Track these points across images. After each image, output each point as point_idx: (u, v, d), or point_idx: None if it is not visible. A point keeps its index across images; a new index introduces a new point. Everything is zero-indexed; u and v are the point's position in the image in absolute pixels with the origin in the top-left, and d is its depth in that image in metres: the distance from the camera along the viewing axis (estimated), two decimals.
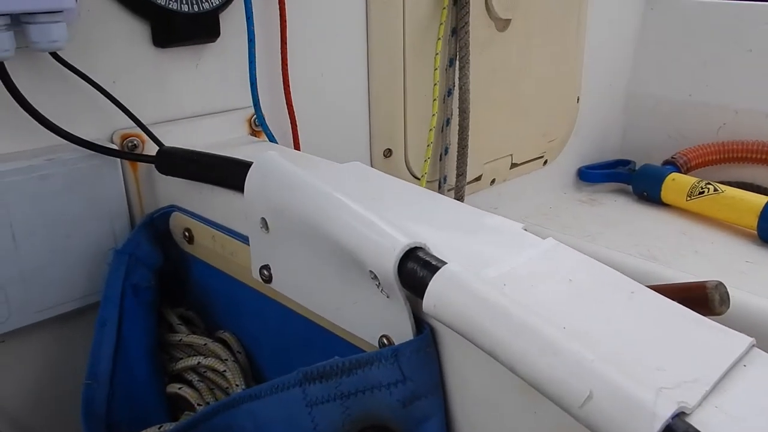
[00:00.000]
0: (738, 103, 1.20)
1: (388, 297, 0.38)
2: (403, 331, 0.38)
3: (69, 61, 0.54)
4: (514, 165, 1.09)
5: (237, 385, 0.54)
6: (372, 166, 0.87)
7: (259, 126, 0.69)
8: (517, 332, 0.29)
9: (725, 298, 0.58)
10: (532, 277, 0.38)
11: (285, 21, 0.68)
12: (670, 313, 0.36)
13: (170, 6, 0.59)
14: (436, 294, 0.33)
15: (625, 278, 0.39)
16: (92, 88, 0.56)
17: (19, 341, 0.58)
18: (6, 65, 0.50)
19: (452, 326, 0.32)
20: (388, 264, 0.36)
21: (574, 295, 0.36)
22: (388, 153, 0.86)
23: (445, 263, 0.34)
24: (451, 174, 0.93)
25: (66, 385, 0.61)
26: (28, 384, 0.60)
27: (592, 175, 1.29)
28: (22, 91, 0.52)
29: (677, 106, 1.27)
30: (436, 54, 0.85)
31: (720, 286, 0.59)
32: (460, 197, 0.94)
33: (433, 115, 0.88)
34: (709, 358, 0.32)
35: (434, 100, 0.87)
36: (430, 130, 0.88)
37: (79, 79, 0.55)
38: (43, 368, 0.60)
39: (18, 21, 0.49)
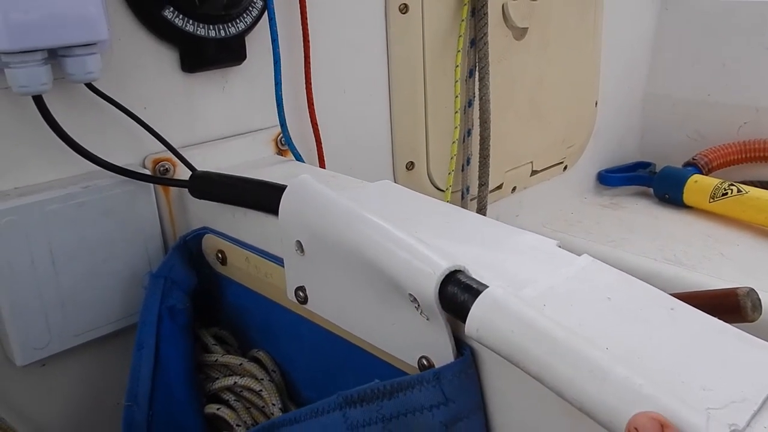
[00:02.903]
0: (759, 101, 1.19)
1: (428, 319, 0.38)
2: (443, 353, 0.38)
3: (102, 90, 0.56)
4: (534, 172, 1.09)
5: (273, 404, 0.54)
6: (395, 179, 0.87)
7: (285, 145, 0.70)
8: (565, 357, 0.30)
9: (757, 305, 0.58)
10: (571, 296, 0.38)
11: (308, 41, 0.69)
12: (711, 329, 0.36)
13: (199, 32, 0.60)
14: (479, 318, 0.33)
15: (663, 294, 0.39)
16: (124, 115, 0.57)
17: (59, 365, 0.59)
18: (44, 97, 0.51)
19: (496, 350, 0.33)
20: (428, 288, 0.36)
21: (614, 314, 0.37)
22: (410, 166, 0.87)
23: (486, 286, 0.35)
24: (474, 184, 0.94)
25: (106, 407, 0.62)
26: (69, 406, 0.61)
27: (612, 178, 1.29)
28: (58, 122, 0.53)
29: (696, 106, 1.26)
30: (456, 66, 0.86)
31: (752, 292, 0.58)
32: (482, 206, 0.95)
33: (456, 127, 0.88)
34: (755, 376, 0.32)
35: (456, 112, 0.87)
36: (453, 142, 0.88)
37: (112, 106, 0.57)
38: (84, 390, 0.61)
39: (54, 54, 0.50)
